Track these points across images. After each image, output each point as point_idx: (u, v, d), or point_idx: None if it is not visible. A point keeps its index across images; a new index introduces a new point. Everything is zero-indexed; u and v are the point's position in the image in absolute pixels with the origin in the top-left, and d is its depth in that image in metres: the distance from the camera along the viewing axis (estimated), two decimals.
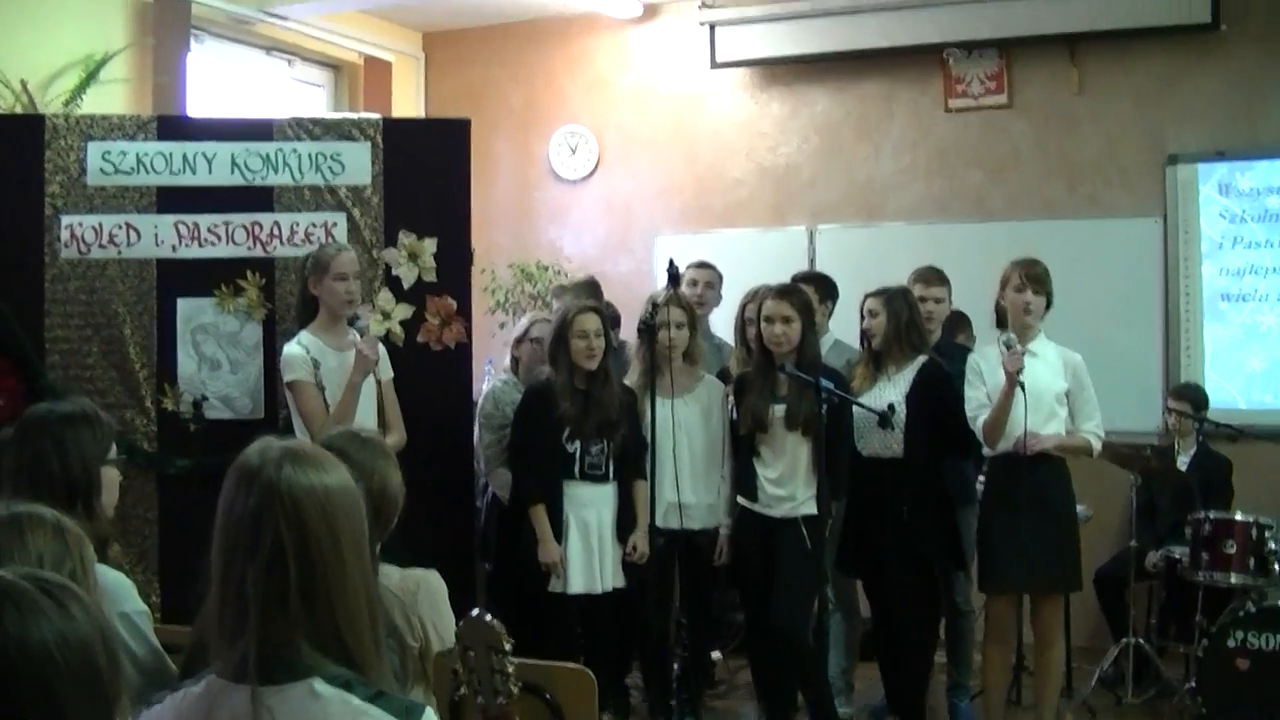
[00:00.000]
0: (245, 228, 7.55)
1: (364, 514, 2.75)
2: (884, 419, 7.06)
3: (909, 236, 10.54)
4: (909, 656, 7.52)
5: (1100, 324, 9.26)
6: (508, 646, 3.08)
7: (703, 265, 8.81)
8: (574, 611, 7.19)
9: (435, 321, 7.64)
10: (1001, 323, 7.53)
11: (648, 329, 7.34)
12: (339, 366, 6.90)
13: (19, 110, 8.48)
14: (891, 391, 7.35)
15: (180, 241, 7.51)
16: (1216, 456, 8.96)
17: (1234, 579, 7.83)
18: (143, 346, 7.47)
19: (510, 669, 3.07)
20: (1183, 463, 8.94)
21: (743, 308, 7.78)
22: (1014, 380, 7.03)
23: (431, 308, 7.65)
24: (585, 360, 7.18)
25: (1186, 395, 9.15)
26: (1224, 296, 9.95)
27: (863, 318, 7.67)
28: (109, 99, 9.09)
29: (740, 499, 7.38)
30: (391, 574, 4.07)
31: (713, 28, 11.30)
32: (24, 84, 8.62)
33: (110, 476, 4.41)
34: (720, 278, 8.84)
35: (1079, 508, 7.57)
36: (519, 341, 8.20)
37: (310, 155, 7.63)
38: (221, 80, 10.72)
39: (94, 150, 7.48)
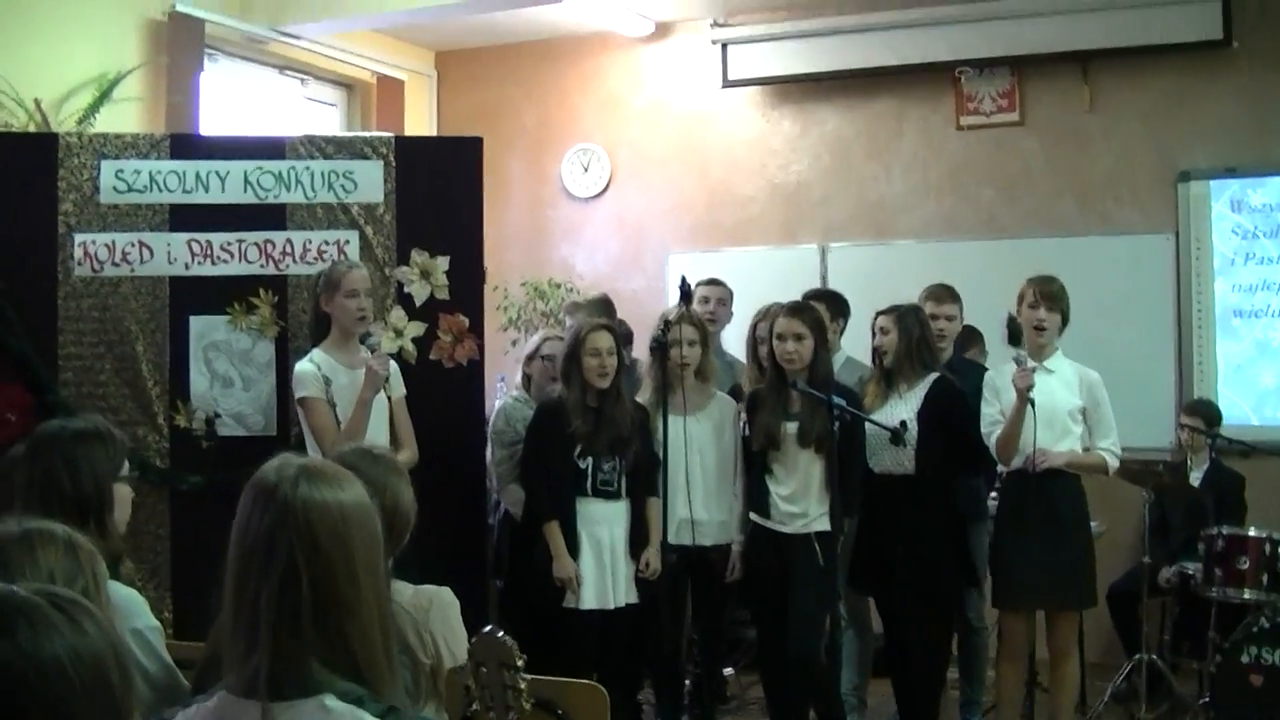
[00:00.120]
0: (258, 245, 7.56)
1: (379, 532, 2.75)
2: (896, 436, 7.05)
3: (920, 254, 10.54)
4: (921, 673, 7.51)
5: (1112, 341, 9.25)
6: (520, 663, 3.07)
7: (713, 282, 8.81)
8: (586, 628, 7.18)
9: (447, 339, 7.65)
10: (1014, 339, 7.53)
11: (660, 346, 7.34)
12: (350, 384, 6.90)
13: (33, 129, 8.51)
14: (903, 409, 7.35)
15: (193, 259, 7.52)
16: (1229, 472, 8.95)
17: (1247, 595, 7.81)
18: (155, 364, 7.48)
19: (522, 685, 3.06)
20: (1195, 478, 8.92)
21: (754, 326, 7.79)
22: (1024, 397, 7.04)
23: (444, 325, 7.65)
24: (597, 378, 7.18)
25: (1199, 411, 9.14)
26: (1236, 313, 9.95)
27: (874, 335, 7.67)
28: (122, 118, 9.11)
29: (753, 515, 7.37)
30: (404, 590, 4.07)
31: (724, 46, 11.32)
32: (37, 103, 8.65)
33: (122, 493, 4.41)
34: (731, 295, 8.83)
35: (1092, 524, 7.55)
36: (530, 359, 8.20)
37: (323, 173, 7.64)
38: (235, 99, 10.74)
39: (107, 168, 7.49)
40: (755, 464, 7.36)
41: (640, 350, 8.23)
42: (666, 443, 7.25)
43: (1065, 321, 7.37)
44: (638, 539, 7.29)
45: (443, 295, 7.66)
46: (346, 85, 11.97)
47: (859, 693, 8.12)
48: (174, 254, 7.51)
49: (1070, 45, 10.28)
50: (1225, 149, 10.00)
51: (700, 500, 7.39)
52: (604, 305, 8.84)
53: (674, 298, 7.63)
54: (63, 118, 8.82)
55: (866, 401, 7.45)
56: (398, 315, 7.60)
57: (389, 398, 7.06)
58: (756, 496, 7.35)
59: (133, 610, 3.98)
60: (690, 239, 11.54)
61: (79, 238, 7.44)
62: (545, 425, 7.39)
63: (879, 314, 7.66)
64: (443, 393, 7.56)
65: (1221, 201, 9.99)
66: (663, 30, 11.73)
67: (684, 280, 7.53)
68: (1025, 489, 7.22)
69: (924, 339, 7.51)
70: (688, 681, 7.92)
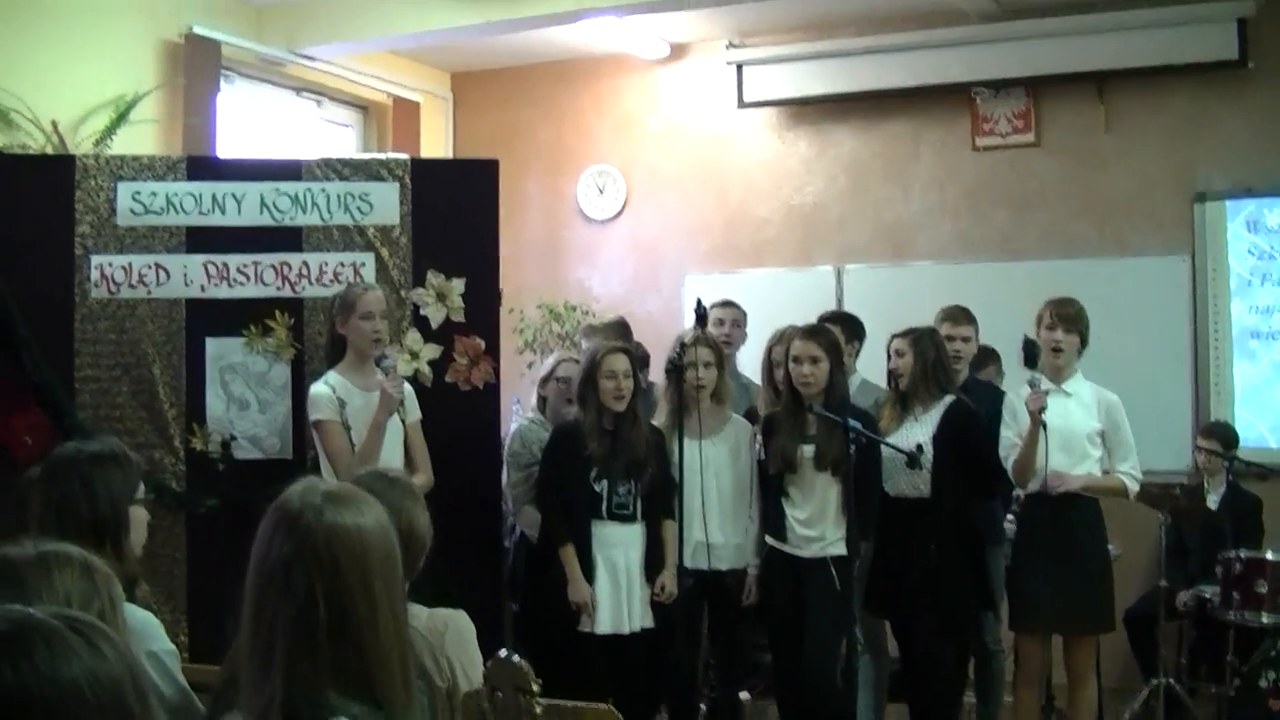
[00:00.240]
0: (274, 268, 7.57)
1: (399, 558, 2.75)
2: (912, 459, 7.03)
3: (936, 276, 10.53)
4: (938, 697, 7.49)
5: (1129, 362, 9.22)
6: (535, 687, 3.07)
7: (727, 304, 8.80)
8: (601, 652, 7.16)
9: (463, 361, 7.64)
10: (1029, 361, 7.51)
11: (675, 369, 7.34)
12: (365, 406, 6.88)
13: (49, 151, 8.53)
14: (919, 432, 7.33)
15: (209, 281, 7.53)
16: (1247, 495, 8.93)
17: (1265, 618, 7.79)
18: (172, 386, 7.48)
19: (538, 710, 3.06)
20: (1213, 501, 8.91)
21: (769, 350, 7.79)
22: (1036, 419, 7.03)
23: (459, 348, 7.65)
24: (613, 401, 7.17)
25: (1216, 434, 9.13)
26: (1253, 334, 9.93)
27: (889, 358, 7.66)
28: (139, 139, 9.14)
29: (769, 539, 7.36)
30: (419, 614, 4.06)
31: (740, 68, 11.34)
32: (54, 125, 8.67)
33: (138, 516, 4.42)
34: (745, 316, 8.84)
35: (1109, 547, 7.53)
36: (545, 381, 8.19)
37: (339, 195, 7.65)
38: (251, 121, 10.77)
39: (124, 190, 7.50)
40: (771, 487, 7.35)
41: (656, 373, 8.22)
42: (682, 466, 7.23)
43: (1084, 344, 7.36)
44: (653, 562, 7.28)
45: (458, 317, 7.66)
46: (362, 107, 11.99)
47: (875, 717, 8.09)
48: (190, 276, 7.51)
49: (1086, 66, 10.28)
50: (1241, 169, 9.99)
51: (716, 523, 7.37)
52: (621, 328, 8.84)
53: (690, 320, 7.63)
54: (80, 139, 8.85)
55: (882, 424, 7.43)
56: (413, 337, 7.59)
57: (404, 421, 7.05)
58: (773, 520, 7.33)
59: (148, 633, 3.98)
60: (706, 261, 11.55)
61: (96, 260, 7.45)
62: (561, 448, 7.38)
63: (894, 336, 7.65)
64: (458, 415, 7.55)
65: (1237, 222, 9.98)
66: (678, 52, 11.75)
67: (699, 302, 7.53)
68: (1042, 512, 7.21)
69: (939, 361, 7.49)
70: (703, 706, 7.91)
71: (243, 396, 7.52)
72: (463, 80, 12.54)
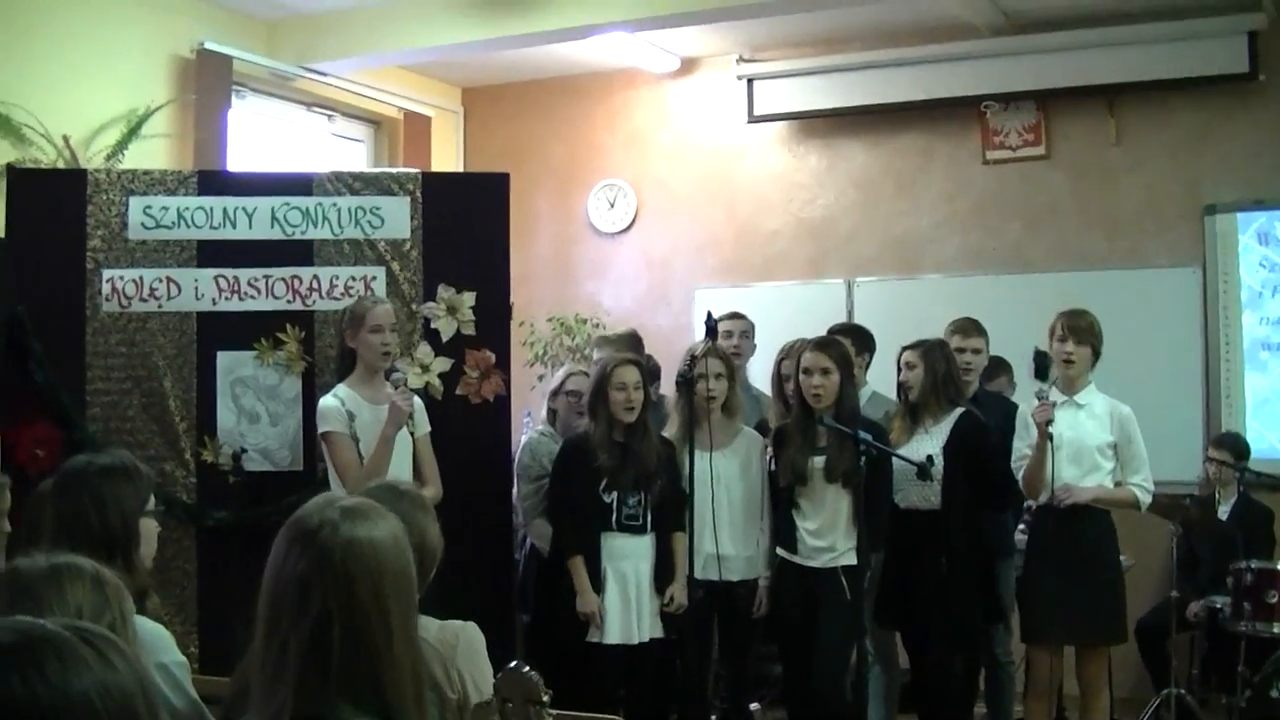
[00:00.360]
0: (285, 281, 7.58)
1: (414, 575, 2.75)
2: (923, 471, 7.02)
3: (947, 289, 10.53)
4: (947, 709, 7.48)
5: (1140, 374, 9.19)
6: (546, 698, 3.07)
7: (734, 316, 8.80)
8: (611, 663, 7.17)
9: (474, 375, 7.65)
10: (1040, 373, 7.51)
11: (686, 381, 7.34)
12: (374, 419, 6.88)
13: (61, 165, 8.56)
14: (929, 444, 7.32)
15: (220, 295, 7.54)
16: (1258, 506, 8.92)
17: (1277, 629, 7.79)
18: (183, 399, 7.49)
19: None
20: (1224, 512, 8.91)
21: (779, 363, 7.78)
22: (1043, 431, 7.03)
23: (470, 361, 7.65)
24: (624, 413, 7.18)
25: (1227, 444, 9.12)
26: (1264, 345, 9.92)
27: (900, 370, 7.66)
28: (151, 154, 9.16)
29: (780, 550, 7.36)
30: (430, 626, 4.07)
31: (750, 82, 11.35)
32: (66, 139, 8.70)
33: (149, 528, 4.43)
34: (753, 327, 8.84)
35: (1120, 558, 7.52)
36: (556, 394, 8.20)
37: (350, 209, 7.66)
38: (262, 135, 10.79)
39: (135, 205, 7.52)
40: (782, 499, 7.35)
41: (667, 386, 8.22)
42: (693, 478, 7.24)
43: (1097, 356, 7.35)
44: (663, 574, 7.28)
45: (469, 331, 7.66)
46: (374, 121, 12.01)
47: None
48: (201, 290, 7.53)
49: (1096, 79, 10.28)
50: (1252, 182, 9.98)
51: (727, 535, 7.38)
52: (632, 341, 8.83)
53: (700, 333, 7.63)
54: (91, 154, 8.87)
55: (892, 437, 7.43)
56: (424, 351, 7.60)
57: (413, 434, 7.06)
58: (783, 531, 7.33)
59: (159, 645, 3.98)
60: (717, 274, 11.55)
61: (107, 273, 7.46)
62: (571, 460, 7.39)
63: (905, 349, 7.64)
64: (469, 428, 7.56)
65: (1248, 234, 9.98)
66: (688, 66, 11.76)
67: (709, 315, 7.53)
68: (1053, 524, 7.20)
69: (950, 374, 7.49)
70: (714, 717, 7.91)
71: (253, 409, 7.53)
72: (474, 95, 12.56)
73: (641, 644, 7.19)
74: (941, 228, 10.95)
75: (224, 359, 7.53)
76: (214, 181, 7.81)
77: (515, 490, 7.96)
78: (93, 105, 9.04)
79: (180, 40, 9.74)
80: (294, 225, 7.62)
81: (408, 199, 7.72)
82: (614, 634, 7.14)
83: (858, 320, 9.66)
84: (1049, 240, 10.60)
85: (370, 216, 7.66)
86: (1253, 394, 9.94)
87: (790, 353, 7.55)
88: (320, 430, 6.96)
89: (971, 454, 7.29)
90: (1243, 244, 9.99)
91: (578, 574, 7.17)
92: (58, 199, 7.53)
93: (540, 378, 10.22)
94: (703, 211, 11.72)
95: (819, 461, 7.16)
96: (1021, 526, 7.76)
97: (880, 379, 8.28)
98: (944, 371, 7.44)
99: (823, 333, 7.75)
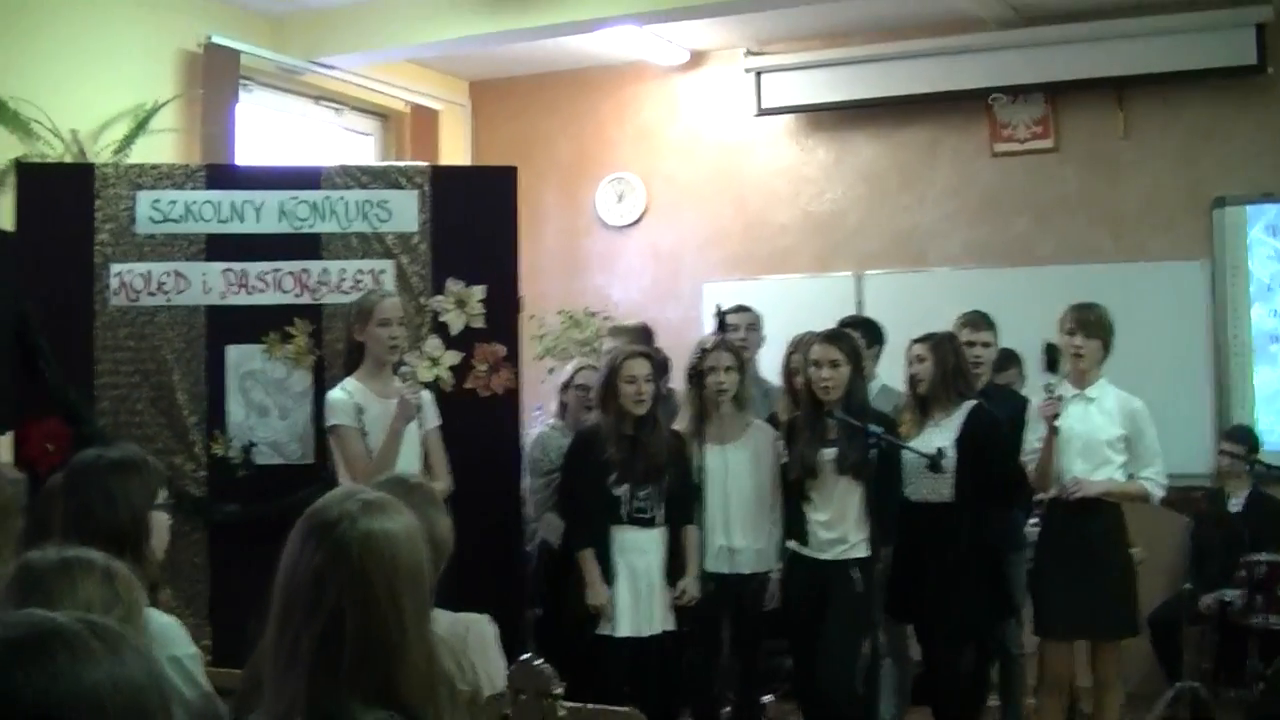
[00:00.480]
0: (293, 275, 7.57)
1: (428, 571, 2.75)
2: (934, 463, 7.02)
3: (955, 282, 10.51)
4: (958, 701, 7.48)
5: (1149, 368, 9.15)
6: (558, 691, 3.07)
7: (740, 309, 8.75)
8: (622, 655, 7.17)
9: (483, 368, 7.64)
10: (1050, 366, 7.50)
11: (696, 374, 7.34)
12: (383, 413, 6.89)
13: (69, 159, 8.55)
14: (939, 436, 7.32)
15: (229, 289, 7.53)
16: (1269, 499, 8.92)
17: None
18: (192, 393, 7.49)
19: (561, 713, 3.06)
20: (1234, 505, 8.90)
21: (788, 357, 7.77)
22: (1050, 425, 7.03)
23: (479, 354, 7.64)
24: (634, 405, 7.18)
25: (1238, 437, 9.12)
26: (1273, 338, 9.92)
27: (909, 364, 7.65)
28: (158, 148, 9.15)
29: (790, 543, 7.36)
30: (441, 619, 4.05)
31: (758, 75, 11.34)
32: (74, 133, 8.70)
33: (159, 521, 4.43)
34: (760, 319, 8.82)
35: (1132, 551, 7.50)
36: (565, 387, 8.21)
37: (358, 203, 7.65)
38: (270, 129, 10.79)
39: (143, 199, 7.51)
40: (792, 492, 7.34)
41: (677, 380, 8.22)
42: (704, 470, 7.24)
43: (1107, 349, 7.33)
44: (674, 567, 7.28)
45: (478, 324, 7.65)
46: (381, 115, 12.00)
47: None
48: (210, 284, 7.52)
49: (1104, 72, 10.26)
50: (1261, 174, 9.97)
51: (738, 528, 7.38)
52: (643, 333, 8.84)
53: (710, 327, 7.63)
54: (99, 149, 8.87)
55: (902, 430, 7.44)
56: (433, 344, 7.59)
57: (422, 428, 7.06)
58: (794, 524, 7.33)
59: (171, 638, 3.99)
60: (725, 268, 11.53)
61: (115, 268, 7.46)
62: (581, 453, 7.40)
63: (914, 342, 7.64)
64: (479, 422, 7.55)
65: (1258, 227, 9.97)
66: (697, 59, 11.75)
67: (719, 308, 7.53)
68: (1063, 518, 7.20)
69: (959, 367, 7.49)
70: (726, 710, 7.90)
71: (263, 403, 7.52)
72: (481, 88, 12.55)
73: (652, 637, 7.20)
74: (949, 221, 10.94)
75: (233, 353, 7.52)
76: (222, 175, 7.82)
77: (525, 484, 7.96)
78: (100, 100, 9.04)
79: (187, 35, 9.73)
80: (302, 219, 7.61)
81: (416, 193, 7.71)
82: (624, 627, 7.15)
83: (867, 313, 9.63)
84: (1057, 233, 10.58)
85: (378, 210, 7.65)
86: (1262, 387, 9.93)
87: (799, 346, 7.53)
88: (328, 423, 6.98)
89: (982, 448, 7.29)
90: (1252, 237, 9.97)
91: (588, 567, 7.18)
92: (66, 194, 7.52)
93: (550, 371, 10.19)
94: (711, 205, 11.71)
95: (829, 454, 7.16)
96: (1033, 520, 7.74)
97: (889, 372, 8.28)
98: (953, 365, 7.44)
99: (832, 326, 7.74)
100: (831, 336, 7.30)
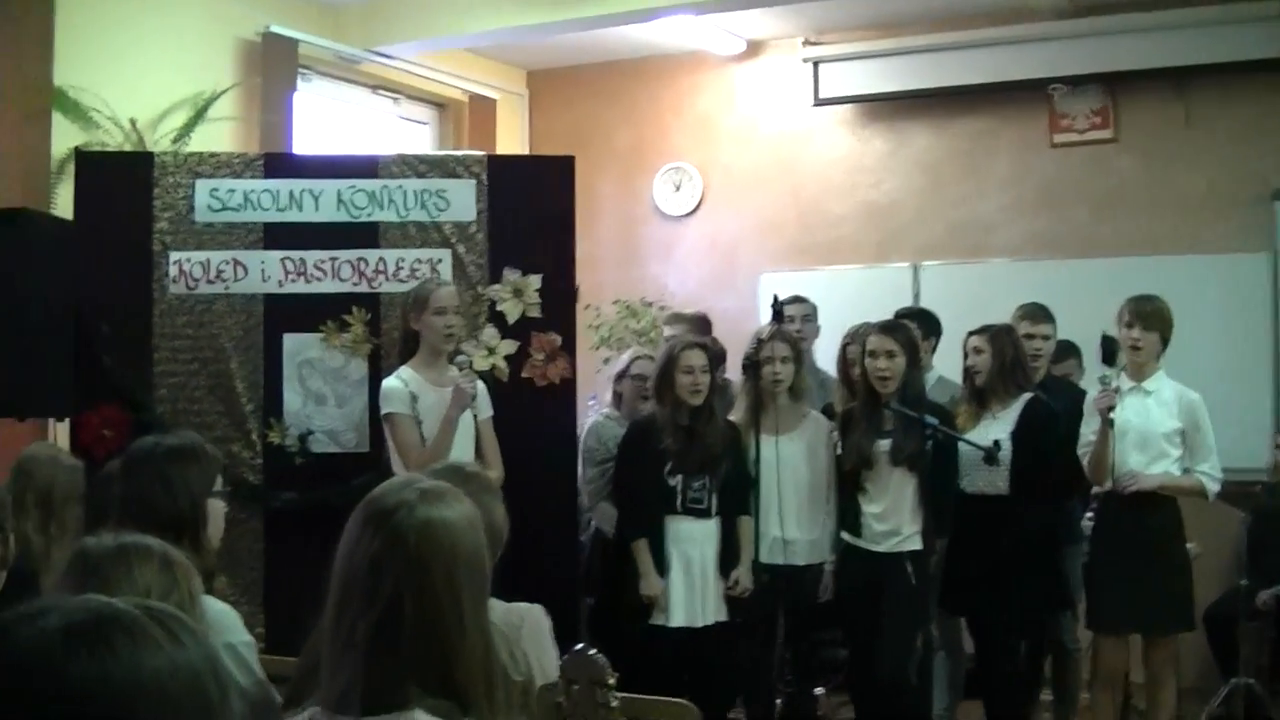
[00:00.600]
0: (351, 264, 7.59)
1: (486, 559, 2.75)
2: (989, 455, 7.00)
3: (1013, 274, 10.45)
4: (1010, 695, 7.45)
5: (1209, 360, 9.10)
6: (612, 681, 3.07)
7: (796, 300, 8.74)
8: (675, 646, 7.17)
9: (539, 357, 7.64)
10: (1107, 359, 7.46)
11: (752, 365, 7.34)
12: (438, 402, 6.91)
13: (129, 148, 8.58)
14: (996, 429, 7.29)
15: (286, 277, 7.56)
16: None
17: None
18: (249, 381, 7.52)
19: (614, 703, 3.06)
20: None
21: (844, 348, 7.76)
22: (1104, 418, 6.99)
23: (536, 344, 7.65)
24: (690, 396, 7.18)
25: None
26: None
27: (966, 355, 7.62)
28: (217, 137, 9.19)
29: (844, 535, 7.34)
30: (495, 608, 4.05)
31: (815, 65, 11.30)
32: (133, 122, 8.73)
33: (216, 509, 4.45)
34: (815, 310, 8.82)
35: (1189, 546, 7.45)
36: (620, 377, 8.21)
37: (415, 192, 7.66)
38: (327, 118, 10.82)
39: (202, 187, 7.55)
40: (847, 483, 7.33)
41: (733, 371, 8.21)
42: (759, 461, 7.23)
43: (1165, 342, 7.28)
44: (728, 557, 7.28)
45: (535, 314, 7.66)
46: (439, 104, 12.02)
47: (950, 714, 8.06)
48: (268, 272, 7.55)
49: (1165, 62, 10.18)
50: None
51: (793, 519, 7.37)
52: (702, 322, 8.86)
53: (766, 318, 7.61)
54: (158, 137, 8.91)
55: (959, 422, 7.41)
56: (490, 334, 7.60)
57: (475, 417, 7.07)
58: (848, 516, 7.32)
59: (226, 625, 4.00)
60: (782, 258, 11.50)
61: (174, 256, 7.50)
62: (636, 443, 7.40)
63: (971, 334, 7.61)
64: (535, 411, 7.56)
65: None
66: (754, 49, 11.73)
67: (775, 298, 7.51)
68: (1118, 511, 7.16)
69: (1017, 359, 7.46)
70: (779, 701, 7.90)
71: (320, 391, 7.54)
72: (539, 78, 12.56)
73: (705, 628, 7.20)
74: (1008, 212, 10.88)
75: (290, 341, 7.55)
76: (280, 164, 7.84)
77: (580, 473, 7.97)
78: (159, 89, 9.08)
79: (246, 24, 9.77)
80: (360, 208, 7.63)
81: (473, 182, 7.72)
82: (678, 617, 7.16)
83: (924, 305, 9.59)
84: (1117, 225, 10.51)
85: (436, 199, 7.66)
86: None
87: (856, 337, 7.52)
88: (383, 411, 6.99)
89: (1038, 440, 7.26)
90: None
91: (641, 557, 7.19)
92: (125, 182, 7.57)
93: (605, 361, 10.19)
94: (768, 195, 11.69)
95: (884, 444, 7.14)
96: (1089, 514, 7.70)
97: (945, 364, 8.25)
98: (1011, 357, 7.41)
99: (888, 317, 7.71)
100: (888, 327, 7.28)
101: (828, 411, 7.75)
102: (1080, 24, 10.41)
